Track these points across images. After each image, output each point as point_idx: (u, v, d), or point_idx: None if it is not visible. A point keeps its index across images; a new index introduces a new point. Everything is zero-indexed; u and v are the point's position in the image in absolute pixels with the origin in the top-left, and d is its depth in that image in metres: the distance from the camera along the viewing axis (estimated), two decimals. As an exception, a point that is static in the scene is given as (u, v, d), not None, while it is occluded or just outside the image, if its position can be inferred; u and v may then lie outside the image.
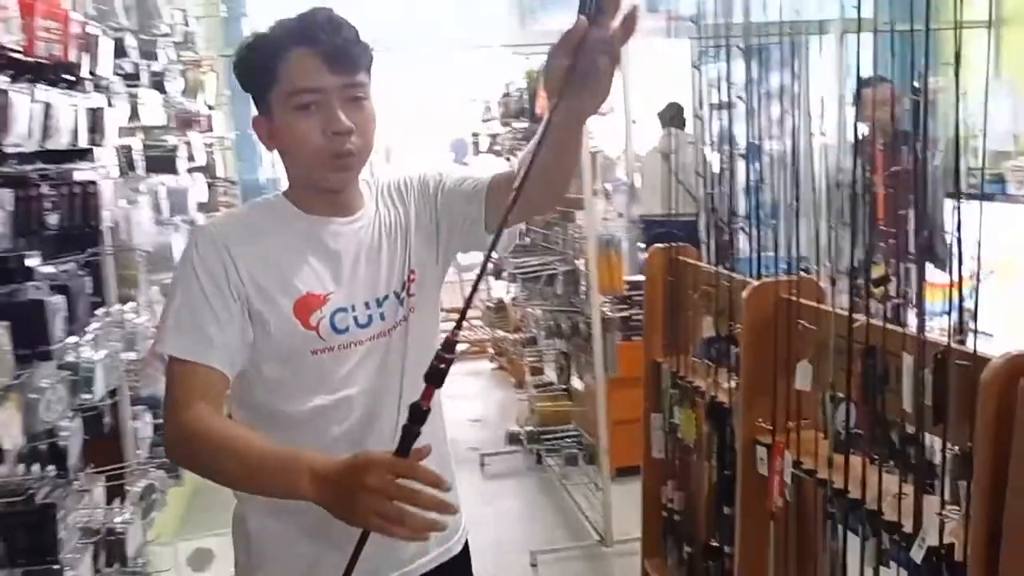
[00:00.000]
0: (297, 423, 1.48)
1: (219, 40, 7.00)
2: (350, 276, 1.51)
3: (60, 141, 2.26)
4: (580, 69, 1.18)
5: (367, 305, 1.52)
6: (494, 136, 4.65)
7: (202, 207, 4.75)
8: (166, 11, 4.07)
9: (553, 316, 3.97)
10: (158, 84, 3.86)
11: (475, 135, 5.02)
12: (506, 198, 1.45)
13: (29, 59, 2.07)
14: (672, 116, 6.11)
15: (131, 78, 3.44)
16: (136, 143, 3.47)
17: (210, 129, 5.15)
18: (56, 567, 1.94)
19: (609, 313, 3.84)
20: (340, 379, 1.49)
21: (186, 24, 4.97)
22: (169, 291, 1.48)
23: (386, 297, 1.54)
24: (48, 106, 2.15)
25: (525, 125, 4.29)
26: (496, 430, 5.43)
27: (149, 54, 3.81)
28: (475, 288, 1.37)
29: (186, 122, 4.67)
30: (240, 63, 1.48)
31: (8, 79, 1.97)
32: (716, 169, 2.97)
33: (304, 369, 1.47)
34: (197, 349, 1.41)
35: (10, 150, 1.99)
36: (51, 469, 2.06)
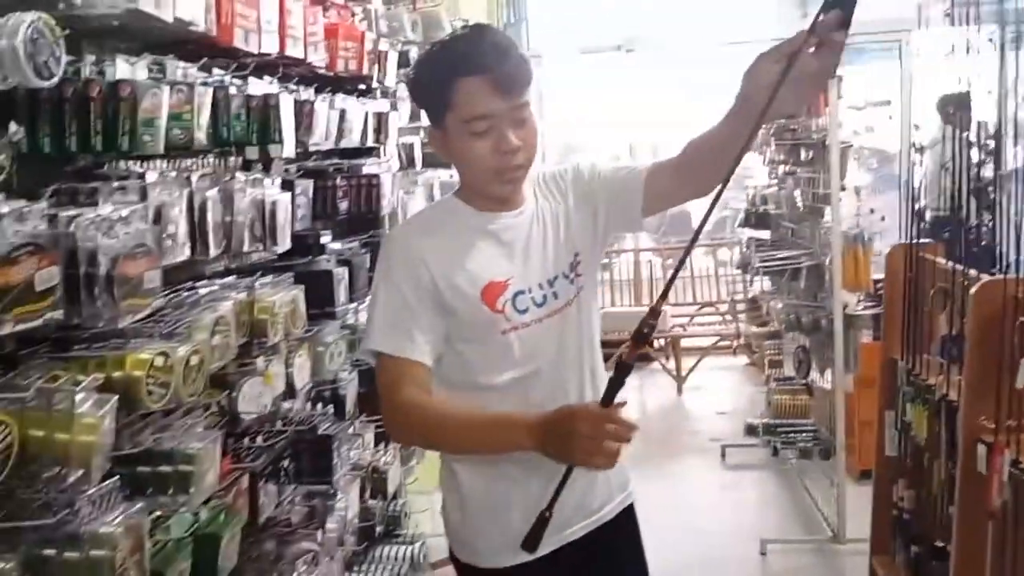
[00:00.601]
0: (495, 395, 1.67)
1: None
2: (523, 262, 1.68)
3: (352, 140, 2.69)
4: (794, 76, 1.38)
5: (540, 286, 1.69)
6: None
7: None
8: (448, 23, 4.52)
9: (795, 310, 4.00)
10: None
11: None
12: (665, 184, 1.72)
13: (330, 74, 2.50)
14: (953, 106, 5.77)
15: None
16: (416, 141, 3.94)
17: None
18: (331, 488, 2.38)
19: (854, 310, 3.82)
20: (527, 354, 1.66)
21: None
22: (372, 292, 1.69)
23: (556, 278, 1.71)
24: (343, 112, 2.57)
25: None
26: (740, 423, 5.48)
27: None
28: (677, 270, 1.59)
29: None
30: (416, 85, 1.68)
31: (313, 91, 2.42)
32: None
33: (496, 347, 1.65)
34: (402, 346, 1.60)
35: (312, 148, 2.43)
36: (330, 409, 2.51)
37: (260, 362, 2.06)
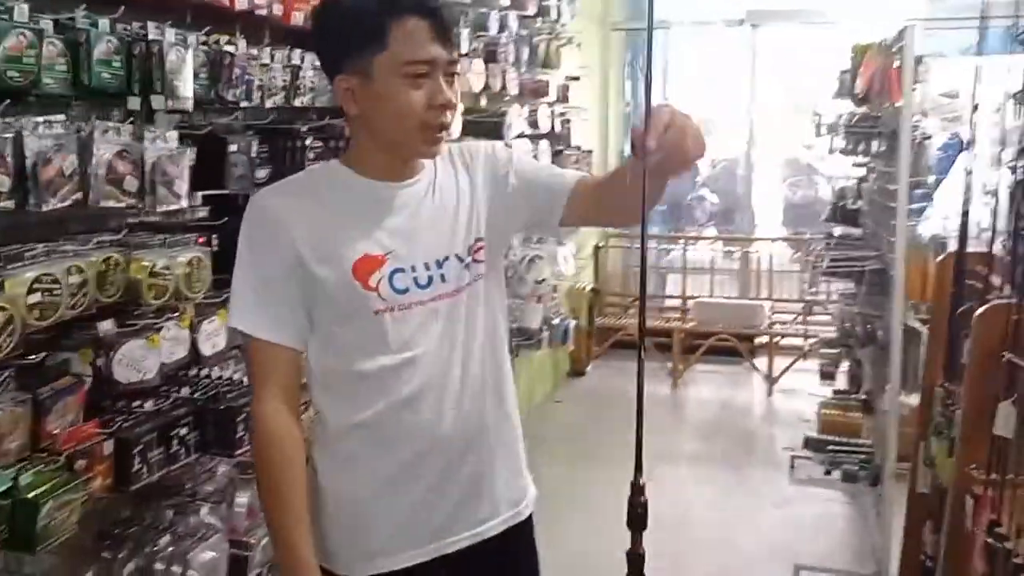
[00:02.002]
0: (365, 383, 1.52)
1: (605, 10, 7.23)
2: (408, 237, 1.51)
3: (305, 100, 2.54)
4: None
5: (427, 266, 1.52)
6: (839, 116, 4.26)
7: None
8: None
9: (851, 318, 3.57)
10: (491, 54, 4.14)
11: (817, 115, 4.63)
12: (587, 205, 1.58)
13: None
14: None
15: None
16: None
17: (564, 99, 5.35)
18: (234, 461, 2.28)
19: (916, 324, 3.36)
20: (404, 340, 1.51)
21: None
22: (236, 263, 1.52)
23: (447, 259, 1.54)
24: (298, 69, 2.45)
25: (851, 107, 3.87)
26: (820, 434, 5.06)
27: (481, 26, 4.10)
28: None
29: (535, 91, 4.93)
30: (330, 19, 1.47)
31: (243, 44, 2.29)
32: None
33: (367, 329, 1.50)
34: (265, 325, 1.47)
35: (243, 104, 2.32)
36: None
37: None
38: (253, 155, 2.32)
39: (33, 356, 1.74)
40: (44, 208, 1.68)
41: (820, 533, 4.09)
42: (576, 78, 5.59)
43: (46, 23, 1.70)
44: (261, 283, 1.48)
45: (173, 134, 2.00)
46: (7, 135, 1.61)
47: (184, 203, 2.02)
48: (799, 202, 8.26)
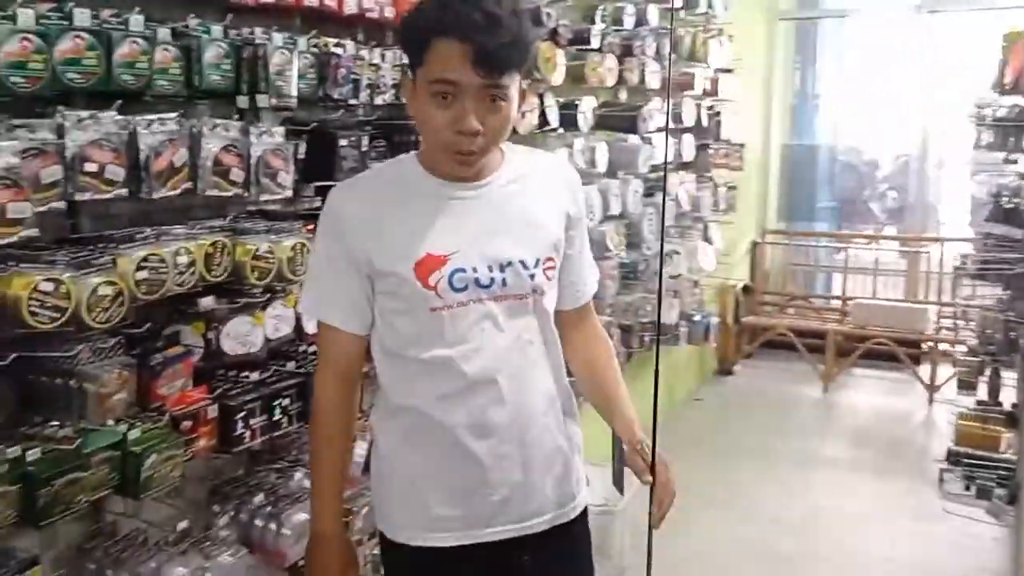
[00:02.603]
0: (422, 371, 1.61)
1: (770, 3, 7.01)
2: (472, 238, 1.58)
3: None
4: None
5: (490, 268, 1.59)
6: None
7: (686, 167, 4.97)
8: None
9: (993, 324, 3.35)
10: (627, 48, 4.16)
11: (977, 107, 4.31)
12: (563, 335, 1.76)
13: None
14: None
15: (578, 42, 3.79)
16: (589, 102, 3.83)
17: (713, 92, 5.28)
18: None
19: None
20: (459, 336, 1.58)
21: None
22: (312, 249, 1.71)
23: (510, 263, 1.60)
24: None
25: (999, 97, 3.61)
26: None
27: (618, 20, 4.13)
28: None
29: (679, 85, 4.90)
30: (402, 28, 1.58)
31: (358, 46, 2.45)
32: None
33: (425, 323, 1.58)
34: (331, 313, 1.63)
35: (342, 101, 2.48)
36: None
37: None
38: (364, 149, 2.48)
39: (143, 327, 1.95)
40: (155, 196, 1.89)
41: (963, 550, 3.87)
42: (729, 70, 5.49)
43: (163, 31, 1.91)
44: (331, 274, 1.61)
45: (279, 130, 2.18)
46: (122, 132, 1.82)
47: (288, 193, 2.19)
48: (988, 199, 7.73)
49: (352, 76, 2.35)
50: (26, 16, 1.60)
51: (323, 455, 1.69)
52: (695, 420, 5.59)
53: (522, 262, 1.61)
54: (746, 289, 6.72)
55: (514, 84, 1.51)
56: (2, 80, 1.56)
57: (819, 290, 7.35)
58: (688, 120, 4.90)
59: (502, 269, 1.60)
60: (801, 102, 7.70)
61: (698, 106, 5.05)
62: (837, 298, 6.92)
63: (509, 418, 1.63)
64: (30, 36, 1.59)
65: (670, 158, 4.67)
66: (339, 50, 2.32)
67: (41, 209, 1.67)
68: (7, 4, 1.61)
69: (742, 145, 5.71)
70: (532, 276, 1.63)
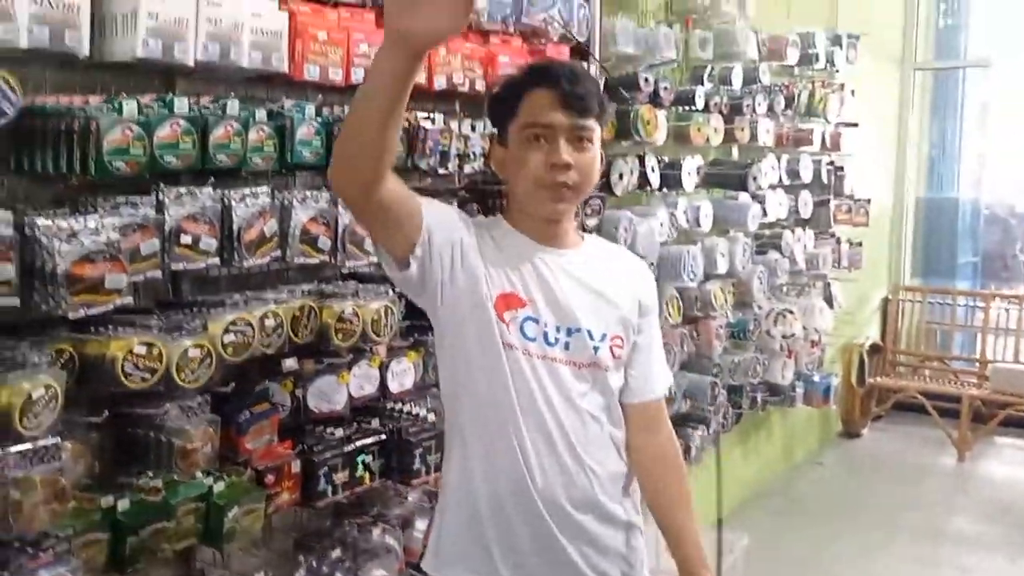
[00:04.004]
0: (474, 403, 1.67)
1: (905, 50, 6.80)
2: (549, 296, 1.67)
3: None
4: None
5: (558, 328, 1.66)
6: None
7: (804, 223, 4.87)
8: (750, 36, 4.26)
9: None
10: (736, 107, 4.14)
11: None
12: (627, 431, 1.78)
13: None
14: None
15: (682, 102, 3.81)
16: (693, 161, 3.83)
17: (834, 147, 5.16)
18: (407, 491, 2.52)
19: None
20: (516, 378, 1.64)
21: (835, 44, 5.06)
22: None
23: (578, 330, 1.67)
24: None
25: None
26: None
27: (725, 80, 4.12)
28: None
29: (797, 140, 4.83)
30: (493, 99, 1.74)
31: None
32: None
33: (490, 356, 1.63)
34: (424, 203, 1.56)
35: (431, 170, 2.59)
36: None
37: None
38: (453, 215, 2.59)
39: (230, 386, 2.10)
40: (245, 264, 2.04)
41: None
42: (853, 124, 5.36)
43: (260, 113, 2.07)
44: (437, 207, 1.62)
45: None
46: (217, 205, 1.98)
47: (373, 259, 2.31)
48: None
49: (440, 147, 2.46)
50: (130, 107, 1.78)
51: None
52: (815, 484, 5.39)
53: (589, 331, 1.68)
54: (874, 348, 6.45)
55: (597, 131, 1.67)
56: (106, 165, 1.74)
57: (957, 351, 6.97)
58: (806, 175, 4.81)
59: (569, 333, 1.67)
60: (939, 154, 7.39)
61: (817, 161, 4.95)
62: (976, 360, 6.55)
63: (554, 495, 1.66)
64: (132, 125, 1.77)
65: (784, 214, 4.58)
66: (428, 123, 2.43)
67: (139, 278, 1.84)
68: (114, 98, 1.79)
69: (868, 200, 5.53)
70: (596, 348, 1.69)
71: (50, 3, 1.66)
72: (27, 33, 1.63)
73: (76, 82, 1.87)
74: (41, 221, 1.68)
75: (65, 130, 1.73)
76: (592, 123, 1.65)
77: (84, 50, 1.73)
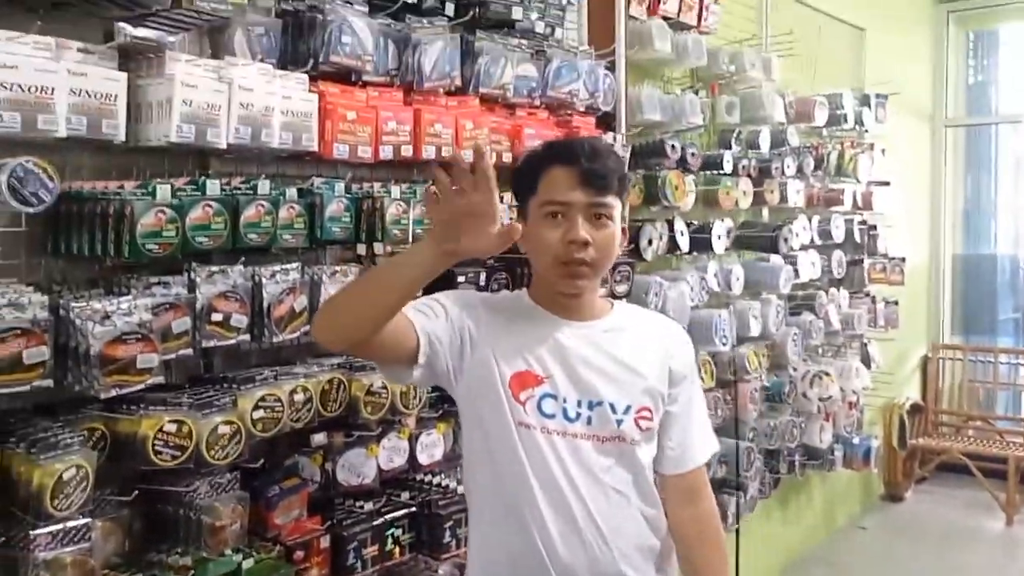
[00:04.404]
0: (492, 479, 1.67)
1: (935, 107, 6.78)
2: (569, 371, 1.66)
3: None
4: None
5: (579, 403, 1.65)
6: None
7: (837, 283, 4.84)
8: (776, 100, 4.28)
9: None
10: (764, 170, 4.15)
11: None
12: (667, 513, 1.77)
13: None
14: None
15: (710, 167, 3.83)
16: (723, 224, 3.84)
17: (866, 206, 5.14)
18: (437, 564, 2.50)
19: None
20: (533, 456, 1.63)
21: (864, 103, 5.08)
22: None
23: (599, 403, 1.66)
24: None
25: None
26: None
27: (753, 144, 4.14)
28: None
29: (827, 200, 4.82)
30: (515, 175, 1.76)
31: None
32: None
33: (507, 438, 1.64)
34: (417, 312, 1.59)
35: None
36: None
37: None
38: (481, 284, 2.60)
39: (259, 462, 2.11)
40: (275, 341, 2.06)
41: None
42: (885, 183, 5.34)
43: (291, 191, 2.11)
44: (433, 301, 1.65)
45: (394, 273, 2.33)
46: (248, 282, 2.02)
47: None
48: None
49: (468, 220, 2.49)
50: (163, 191, 1.83)
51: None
52: (858, 549, 5.25)
53: (611, 404, 1.66)
54: (915, 409, 6.32)
55: (616, 208, 1.66)
56: (140, 247, 1.78)
57: (1001, 410, 6.81)
58: (838, 235, 4.78)
59: (591, 407, 1.65)
60: (974, 210, 7.31)
61: (849, 221, 4.93)
62: (1021, 420, 6.39)
63: (587, 562, 1.64)
64: (165, 208, 1.81)
65: (817, 275, 4.55)
66: (455, 196, 2.46)
67: (171, 356, 1.87)
68: (148, 182, 1.84)
69: (903, 258, 5.48)
70: (619, 422, 1.66)
71: (88, 93, 1.73)
72: (66, 123, 1.69)
73: (112, 166, 1.93)
74: (75, 303, 1.72)
75: (101, 214, 1.78)
76: (611, 200, 1.64)
77: (120, 136, 1.79)
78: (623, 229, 1.72)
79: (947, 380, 6.69)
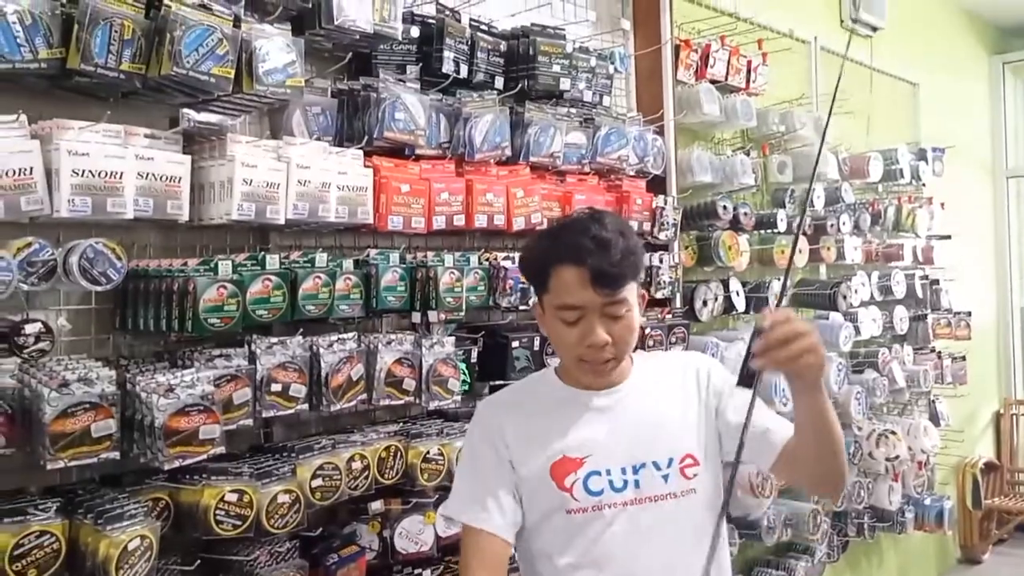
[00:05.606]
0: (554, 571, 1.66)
1: (995, 159, 6.67)
2: (606, 442, 1.65)
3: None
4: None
5: (623, 471, 1.64)
6: None
7: (901, 340, 4.74)
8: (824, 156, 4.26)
9: None
10: (819, 227, 4.13)
11: None
12: (790, 469, 1.69)
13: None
14: None
15: (764, 226, 3.82)
16: (778, 284, 3.81)
17: (927, 261, 5.06)
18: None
19: None
20: (591, 540, 1.63)
21: (920, 158, 5.04)
22: (459, 459, 1.79)
23: (643, 465, 1.65)
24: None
25: None
26: None
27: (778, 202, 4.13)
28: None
29: (887, 256, 4.76)
30: (522, 263, 1.75)
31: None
32: None
33: (560, 528, 1.65)
34: (477, 516, 1.63)
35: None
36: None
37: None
38: (536, 349, 2.63)
39: (318, 530, 2.14)
40: (332, 409, 2.11)
41: None
42: (946, 237, 5.26)
43: (347, 263, 2.18)
44: (475, 477, 1.68)
45: (449, 340, 2.37)
46: (306, 353, 2.07)
47: (457, 397, 2.36)
48: None
49: (520, 285, 2.52)
50: (225, 267, 1.90)
51: None
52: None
53: (655, 463, 1.65)
54: (989, 467, 6.10)
55: (632, 293, 1.62)
56: (202, 322, 1.85)
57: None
58: (898, 291, 4.70)
59: (635, 471, 1.64)
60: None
61: (910, 276, 4.85)
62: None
63: None
64: (226, 284, 1.88)
65: (878, 332, 4.47)
66: (507, 263, 2.50)
67: (231, 428, 1.92)
68: (210, 258, 1.92)
69: (968, 312, 5.36)
70: (666, 477, 1.65)
71: (154, 176, 1.81)
72: (133, 205, 1.77)
73: (176, 243, 2.02)
74: (140, 377, 1.78)
75: (165, 291, 1.86)
76: (625, 294, 1.59)
77: (184, 216, 1.87)
78: (642, 296, 1.68)
79: (1022, 437, 6.46)
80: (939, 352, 5.16)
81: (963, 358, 5.36)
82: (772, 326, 1.45)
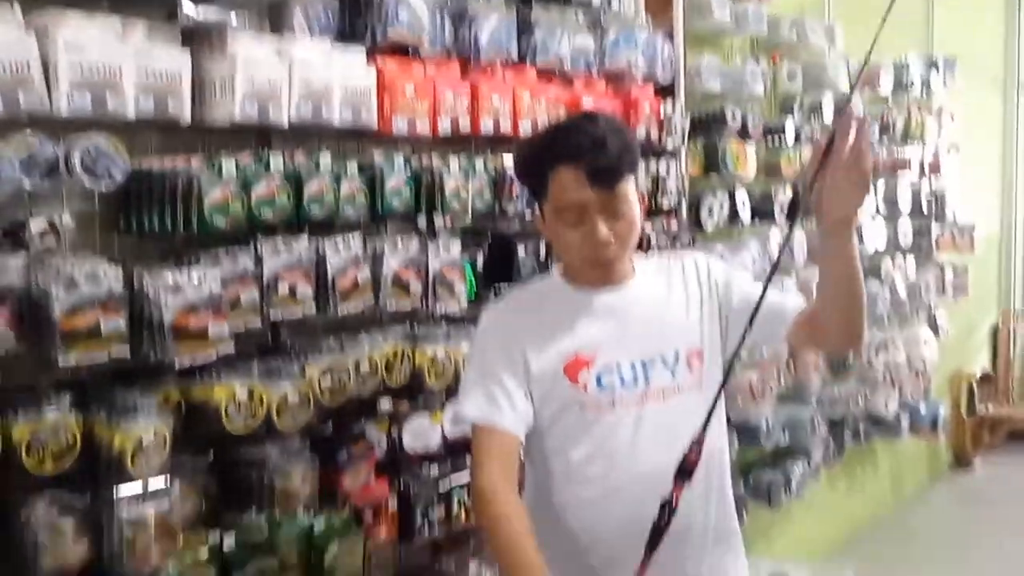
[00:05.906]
0: (570, 470, 1.68)
1: (1007, 73, 6.56)
2: (615, 339, 1.68)
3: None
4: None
5: (633, 366, 1.67)
6: None
7: (904, 251, 4.75)
8: (841, 67, 4.19)
9: None
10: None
11: None
12: (806, 330, 1.70)
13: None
14: None
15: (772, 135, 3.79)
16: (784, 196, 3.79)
17: (934, 172, 5.03)
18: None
19: None
20: (604, 434, 1.66)
21: (931, 68, 4.96)
22: (467, 362, 1.78)
23: (652, 360, 1.68)
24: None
25: None
26: None
27: (816, 110, 4.08)
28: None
29: (892, 167, 4.73)
30: (518, 169, 1.76)
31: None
32: None
33: (573, 422, 1.67)
34: (490, 413, 1.62)
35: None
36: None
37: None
38: (541, 257, 2.63)
39: (329, 427, 2.18)
40: (340, 312, 2.12)
41: None
42: (954, 148, 5.21)
43: (352, 167, 2.16)
44: (485, 376, 1.68)
45: (455, 245, 2.37)
46: (312, 255, 2.08)
47: (463, 302, 2.37)
48: None
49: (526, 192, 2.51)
50: (229, 166, 1.88)
51: (524, 549, 1.54)
52: (925, 518, 5.18)
53: (662, 358, 1.68)
54: (985, 377, 6.18)
55: (631, 189, 1.63)
56: (207, 221, 1.85)
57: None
58: (904, 203, 4.69)
59: (644, 367, 1.67)
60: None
61: (916, 188, 4.82)
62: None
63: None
64: (231, 183, 1.87)
65: (882, 243, 4.47)
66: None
67: (239, 330, 1.93)
68: (214, 158, 1.90)
69: (972, 225, 5.34)
70: (673, 372, 1.68)
71: (154, 73, 1.79)
72: (134, 104, 1.75)
73: (178, 144, 2.00)
74: (148, 275, 1.79)
75: (169, 190, 1.85)
76: (624, 188, 1.60)
77: (186, 116, 1.85)
78: (641, 196, 1.69)
79: (1018, 348, 6.52)
80: (942, 265, 5.17)
81: (965, 270, 5.37)
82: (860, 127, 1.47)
